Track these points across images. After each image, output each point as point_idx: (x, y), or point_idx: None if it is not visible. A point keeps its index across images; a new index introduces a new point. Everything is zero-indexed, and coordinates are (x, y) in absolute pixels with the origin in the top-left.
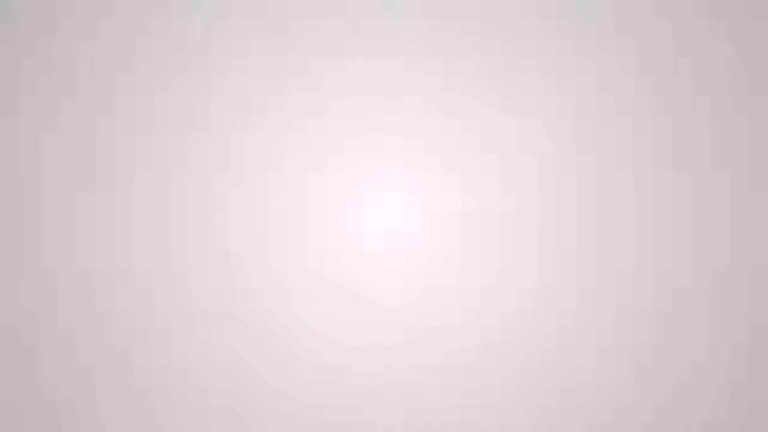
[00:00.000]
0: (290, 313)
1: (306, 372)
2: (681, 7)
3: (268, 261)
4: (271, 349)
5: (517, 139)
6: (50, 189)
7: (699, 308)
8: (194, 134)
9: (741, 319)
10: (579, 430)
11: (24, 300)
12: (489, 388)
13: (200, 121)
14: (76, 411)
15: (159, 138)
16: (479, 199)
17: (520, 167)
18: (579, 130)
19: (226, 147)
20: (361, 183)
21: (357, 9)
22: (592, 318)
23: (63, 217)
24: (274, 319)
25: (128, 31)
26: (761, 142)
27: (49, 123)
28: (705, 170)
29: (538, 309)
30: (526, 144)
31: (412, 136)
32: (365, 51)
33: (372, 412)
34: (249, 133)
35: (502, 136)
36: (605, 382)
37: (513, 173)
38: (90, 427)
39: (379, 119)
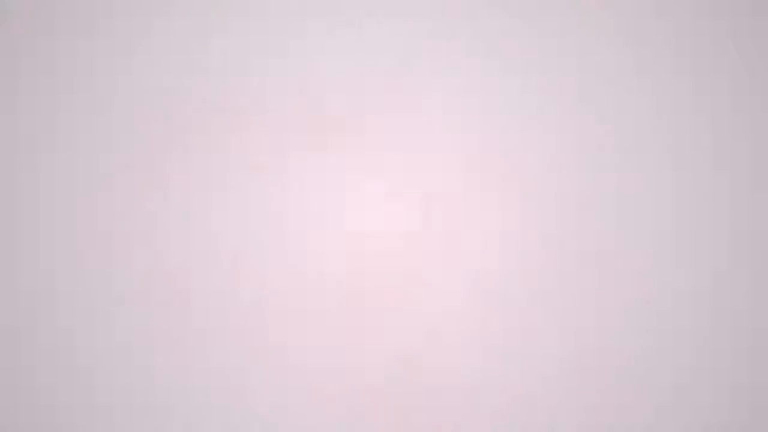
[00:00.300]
0: (287, 312)
1: (306, 373)
2: (681, 7)
3: (266, 261)
4: (270, 349)
5: (517, 139)
6: (50, 189)
7: (699, 308)
8: (193, 134)
9: (741, 320)
10: (579, 431)
11: (24, 300)
12: (489, 391)
13: (199, 121)
14: (75, 411)
15: (158, 138)
16: (478, 200)
17: (520, 167)
18: (578, 130)
19: (225, 147)
20: (359, 183)
21: (356, 10)
22: (593, 318)
23: (63, 217)
24: (272, 319)
25: (128, 31)
26: (761, 142)
27: (48, 123)
28: (705, 170)
29: (538, 309)
30: (526, 144)
31: (412, 136)
32: (365, 51)
33: (372, 414)
34: (248, 132)
35: (502, 136)
36: (605, 383)
37: (513, 172)
38: (90, 427)
39: (379, 119)
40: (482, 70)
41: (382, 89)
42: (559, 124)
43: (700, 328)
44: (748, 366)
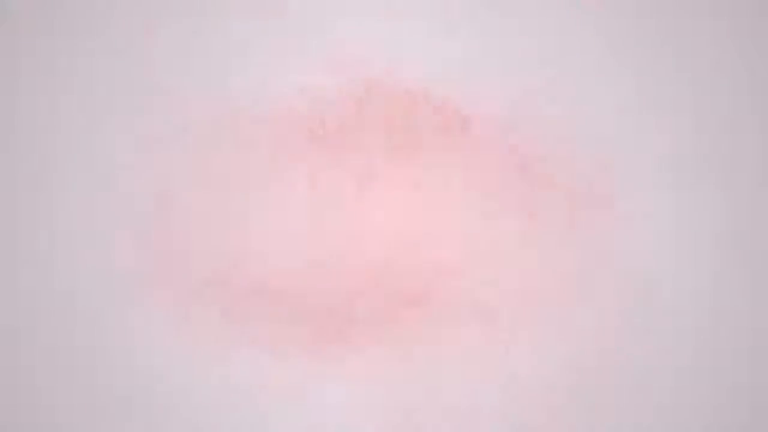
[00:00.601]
0: (291, 312)
1: (308, 372)
2: (681, 7)
3: (269, 261)
4: (273, 348)
5: (517, 139)
6: (50, 189)
7: (699, 308)
8: (193, 134)
9: (741, 320)
10: (579, 430)
11: (24, 300)
12: (488, 390)
13: (200, 121)
14: (75, 411)
15: (158, 137)
16: (479, 197)
17: (521, 166)
18: (578, 130)
19: (225, 146)
20: (361, 183)
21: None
22: (593, 318)
23: (63, 217)
24: (275, 319)
25: (128, 31)
26: (762, 142)
27: (48, 123)
28: (705, 170)
29: (538, 310)
30: (526, 144)
31: (413, 137)
32: (364, 53)
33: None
34: (248, 132)
35: (504, 135)
36: (605, 383)
37: (514, 171)
38: (90, 427)
39: (381, 119)
40: (481, 71)
41: (383, 91)
42: (558, 123)
43: (700, 328)
44: (748, 366)
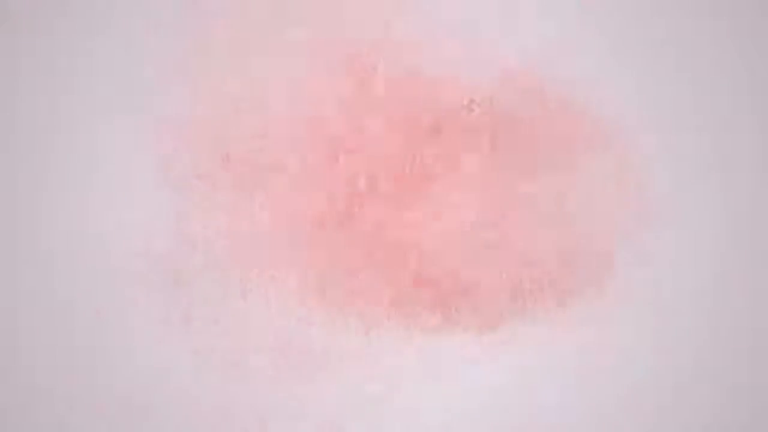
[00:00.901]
0: (296, 311)
1: (316, 376)
2: (681, 7)
3: (272, 259)
4: (276, 348)
5: (518, 136)
6: (50, 189)
7: (699, 308)
8: (194, 134)
9: (741, 320)
10: (579, 430)
11: (24, 300)
12: (486, 390)
13: (201, 122)
14: (75, 411)
15: (159, 138)
16: (481, 206)
17: (522, 165)
18: (578, 130)
19: (225, 147)
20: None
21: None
22: (593, 318)
23: (63, 217)
24: (279, 318)
25: (128, 31)
26: (761, 142)
27: (48, 123)
28: (705, 170)
29: (538, 310)
30: (527, 142)
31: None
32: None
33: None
34: (248, 132)
35: (506, 133)
36: (606, 383)
37: (514, 171)
38: (90, 427)
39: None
40: (478, 69)
41: (385, 99)
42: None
43: (700, 328)
44: (748, 366)
